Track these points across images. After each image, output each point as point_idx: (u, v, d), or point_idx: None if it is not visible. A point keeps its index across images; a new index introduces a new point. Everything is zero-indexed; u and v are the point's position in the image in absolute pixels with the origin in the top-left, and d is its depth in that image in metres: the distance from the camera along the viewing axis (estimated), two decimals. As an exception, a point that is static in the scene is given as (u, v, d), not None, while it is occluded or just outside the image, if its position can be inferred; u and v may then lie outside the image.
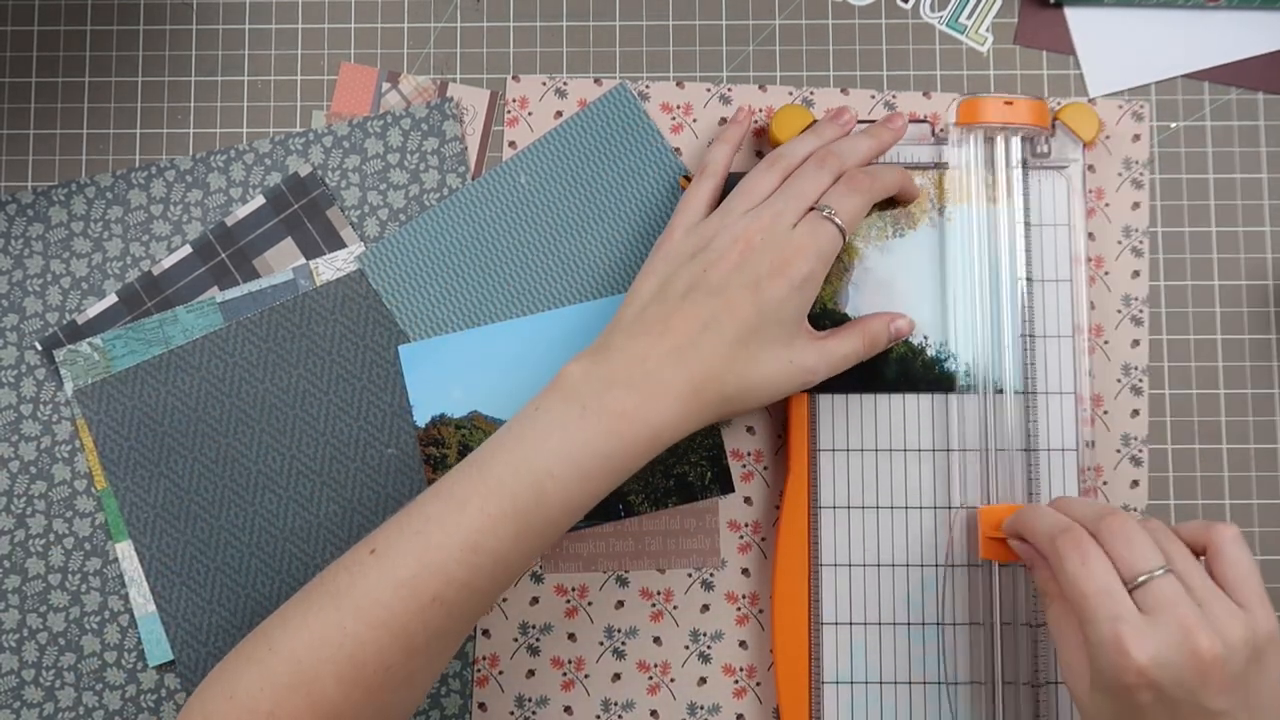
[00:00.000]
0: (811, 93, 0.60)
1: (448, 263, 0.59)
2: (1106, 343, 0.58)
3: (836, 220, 0.48)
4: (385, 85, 0.60)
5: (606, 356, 0.46)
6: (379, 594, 0.42)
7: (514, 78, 0.60)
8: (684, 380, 0.45)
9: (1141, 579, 0.38)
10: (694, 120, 0.60)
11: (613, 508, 0.57)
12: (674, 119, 0.60)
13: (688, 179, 0.57)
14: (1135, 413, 0.58)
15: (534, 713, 0.57)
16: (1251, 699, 0.37)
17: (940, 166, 0.56)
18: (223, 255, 0.59)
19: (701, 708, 0.57)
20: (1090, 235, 0.59)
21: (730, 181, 0.53)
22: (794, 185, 0.49)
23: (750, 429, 0.58)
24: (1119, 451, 0.58)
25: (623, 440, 0.44)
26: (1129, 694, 0.37)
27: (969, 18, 0.60)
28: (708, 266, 0.47)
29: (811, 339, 0.49)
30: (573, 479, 0.44)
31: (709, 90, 0.60)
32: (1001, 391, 0.55)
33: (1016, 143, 0.55)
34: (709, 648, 0.58)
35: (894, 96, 0.60)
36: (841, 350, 0.50)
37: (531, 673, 0.57)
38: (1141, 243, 0.59)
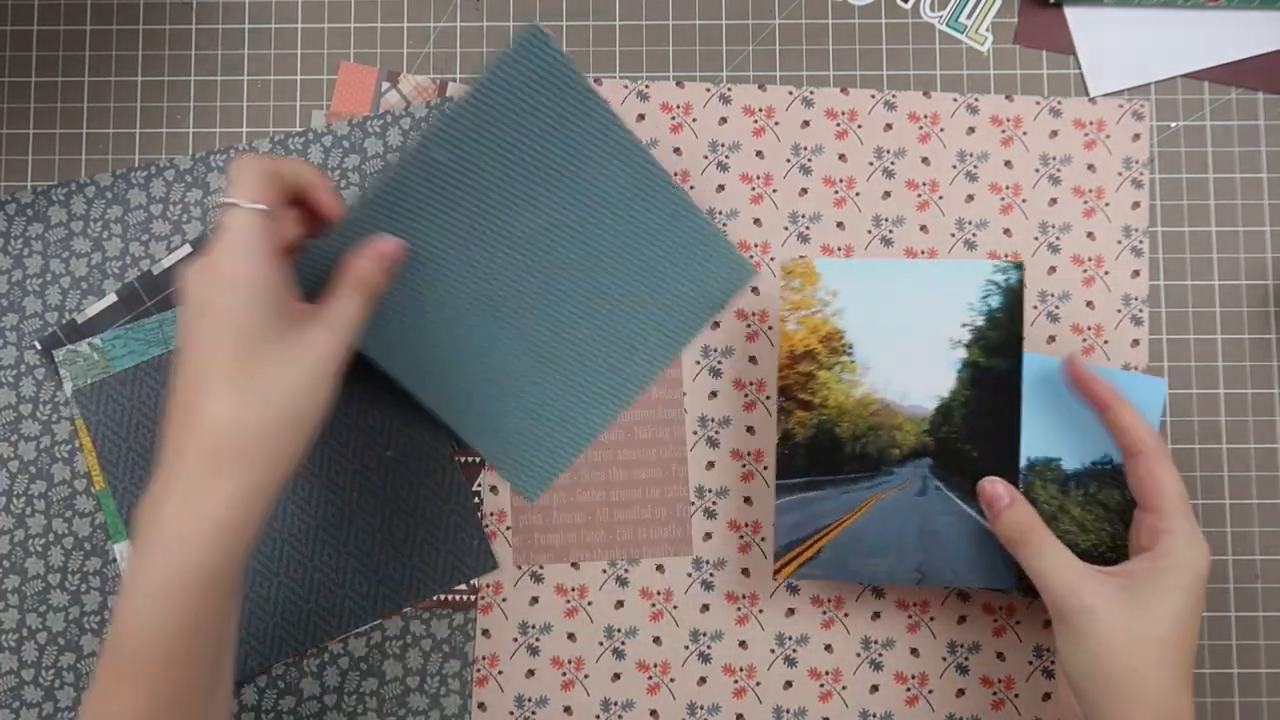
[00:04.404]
0: (811, 92, 0.60)
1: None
2: (1106, 342, 0.58)
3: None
4: (385, 85, 0.60)
5: None
6: None
7: (514, 77, 0.60)
8: None
9: None
10: (694, 120, 0.60)
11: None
12: (674, 119, 0.60)
13: None
14: (1135, 412, 0.58)
15: (534, 713, 0.57)
16: None
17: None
18: (222, 255, 0.59)
19: (701, 708, 0.57)
20: (1090, 235, 0.59)
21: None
22: None
23: (750, 429, 0.58)
24: (1119, 451, 0.58)
25: None
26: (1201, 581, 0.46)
27: (969, 17, 0.60)
28: None
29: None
30: None
31: (709, 90, 0.60)
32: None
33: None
34: (709, 648, 0.57)
35: (894, 96, 0.60)
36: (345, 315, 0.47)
37: (531, 673, 0.57)
38: (1141, 242, 0.59)
